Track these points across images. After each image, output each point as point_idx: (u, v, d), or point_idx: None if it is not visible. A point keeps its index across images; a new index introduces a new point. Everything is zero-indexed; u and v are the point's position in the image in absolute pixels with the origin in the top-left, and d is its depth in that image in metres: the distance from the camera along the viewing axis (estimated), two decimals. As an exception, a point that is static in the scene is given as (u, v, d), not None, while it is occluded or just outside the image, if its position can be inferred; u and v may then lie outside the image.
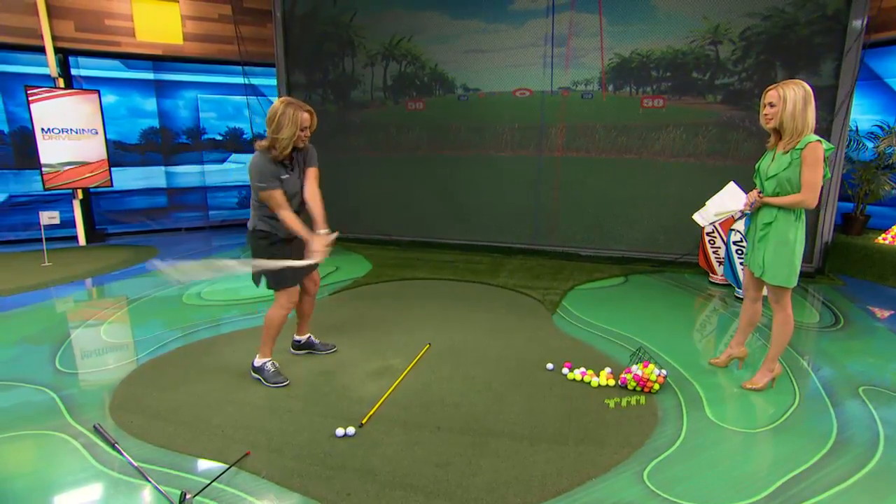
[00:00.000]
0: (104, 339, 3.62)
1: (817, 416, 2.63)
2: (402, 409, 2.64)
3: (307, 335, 3.32)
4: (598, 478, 2.12)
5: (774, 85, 2.53)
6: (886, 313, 4.27)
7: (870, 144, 5.59)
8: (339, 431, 2.38)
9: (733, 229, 4.42)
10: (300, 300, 3.07)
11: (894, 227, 5.28)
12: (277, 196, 2.65)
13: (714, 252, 4.90)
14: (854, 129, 5.63)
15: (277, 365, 2.97)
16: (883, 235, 5.29)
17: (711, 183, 5.37)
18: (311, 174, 2.85)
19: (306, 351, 3.32)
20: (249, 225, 2.85)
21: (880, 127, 5.58)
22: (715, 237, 4.84)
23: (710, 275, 5.05)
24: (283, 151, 2.63)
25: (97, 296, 4.75)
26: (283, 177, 2.70)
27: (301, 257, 2.71)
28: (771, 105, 2.52)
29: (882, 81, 5.73)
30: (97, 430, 2.38)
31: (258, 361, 2.94)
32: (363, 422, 2.49)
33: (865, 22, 4.89)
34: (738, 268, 4.45)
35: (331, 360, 3.24)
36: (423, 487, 2.05)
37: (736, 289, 4.59)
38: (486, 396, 2.79)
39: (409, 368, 3.11)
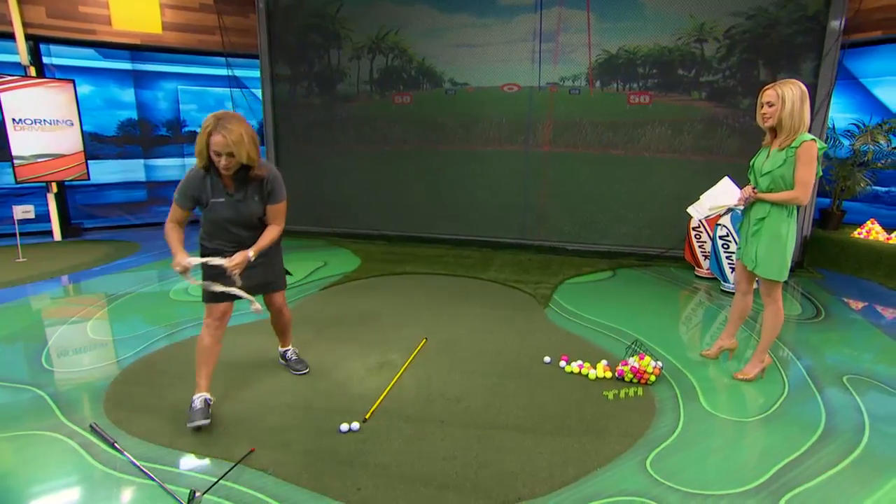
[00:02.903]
0: (91, 336, 3.53)
1: (806, 405, 2.72)
2: (404, 404, 2.64)
3: (285, 349, 3.06)
4: (603, 468, 2.17)
5: (771, 84, 2.59)
6: (863, 305, 4.44)
7: (846, 142, 5.77)
8: (344, 427, 2.38)
9: (719, 224, 4.53)
10: (271, 316, 2.87)
11: (868, 222, 5.47)
12: (175, 213, 2.41)
13: (700, 246, 5.01)
14: (831, 127, 5.81)
15: (210, 401, 2.47)
16: (858, 230, 5.48)
17: (696, 178, 5.49)
18: (271, 213, 2.48)
19: (280, 361, 3.10)
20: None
21: (856, 125, 5.77)
22: (701, 232, 4.95)
23: (696, 269, 5.16)
24: (197, 164, 2.34)
25: (78, 292, 4.61)
26: (215, 200, 2.37)
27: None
28: (770, 104, 2.58)
29: (857, 81, 5.93)
30: (94, 430, 2.32)
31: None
32: (367, 417, 2.49)
33: (843, 23, 5.05)
34: (725, 262, 4.56)
35: (328, 355, 3.22)
36: (433, 480, 2.06)
37: (722, 282, 4.71)
38: (487, 390, 2.81)
39: (407, 363, 3.11)
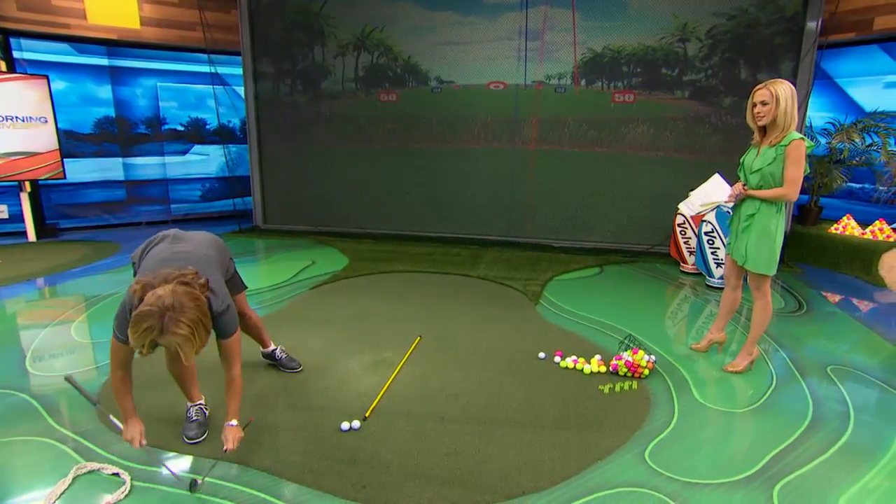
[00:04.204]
0: (76, 338, 3.43)
1: (793, 395, 2.80)
2: (403, 402, 2.64)
3: (271, 349, 2.96)
4: (603, 460, 2.19)
5: (763, 84, 2.65)
6: (842, 298, 4.58)
7: (823, 140, 5.94)
8: (345, 425, 2.36)
9: (704, 220, 4.62)
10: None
11: (844, 217, 5.65)
12: (120, 353, 1.94)
13: (685, 242, 5.10)
14: (808, 125, 5.98)
15: (205, 408, 2.41)
16: (835, 226, 5.66)
17: (679, 176, 5.62)
18: (224, 351, 2.08)
19: (270, 362, 3.01)
20: None
21: (832, 124, 5.95)
22: (686, 228, 5.03)
23: (682, 264, 5.26)
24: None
25: (56, 295, 4.47)
26: None
27: None
28: (763, 104, 2.64)
29: (833, 81, 6.11)
30: (69, 382, 2.19)
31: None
32: (367, 415, 2.48)
33: (820, 25, 5.20)
34: (710, 257, 4.66)
35: (324, 355, 3.19)
36: (437, 476, 2.06)
37: (707, 277, 4.81)
38: (484, 386, 2.82)
39: (403, 361, 3.10)
